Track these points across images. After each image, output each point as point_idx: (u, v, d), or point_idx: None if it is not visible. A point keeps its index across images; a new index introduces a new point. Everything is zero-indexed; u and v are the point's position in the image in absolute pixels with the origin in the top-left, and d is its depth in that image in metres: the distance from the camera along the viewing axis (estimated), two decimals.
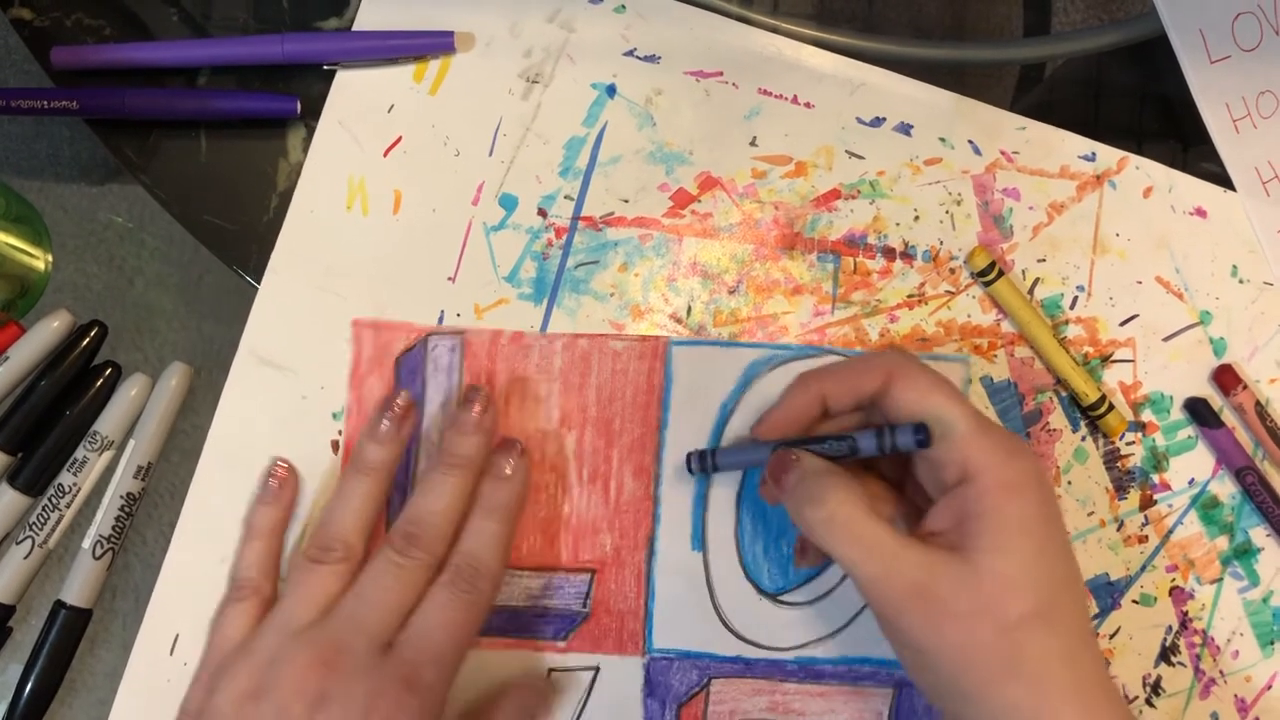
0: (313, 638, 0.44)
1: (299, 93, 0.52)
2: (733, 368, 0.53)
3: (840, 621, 0.52)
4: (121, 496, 0.50)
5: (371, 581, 0.46)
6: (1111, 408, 0.53)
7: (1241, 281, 0.55)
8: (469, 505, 0.48)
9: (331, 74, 0.53)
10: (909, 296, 0.54)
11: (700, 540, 0.52)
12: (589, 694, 0.51)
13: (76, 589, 0.50)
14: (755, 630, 0.52)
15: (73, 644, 0.50)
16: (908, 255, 0.54)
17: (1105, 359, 0.54)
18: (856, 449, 0.45)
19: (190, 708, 0.47)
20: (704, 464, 0.50)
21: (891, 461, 0.49)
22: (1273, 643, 0.54)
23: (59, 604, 0.50)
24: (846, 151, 0.54)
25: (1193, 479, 0.55)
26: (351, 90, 0.53)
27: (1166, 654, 0.54)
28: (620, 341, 0.52)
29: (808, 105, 0.54)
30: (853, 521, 0.43)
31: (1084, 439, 0.54)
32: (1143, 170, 0.55)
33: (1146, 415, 0.54)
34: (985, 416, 0.44)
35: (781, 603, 0.52)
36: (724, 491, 0.52)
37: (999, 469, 0.42)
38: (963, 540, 0.42)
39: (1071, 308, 0.54)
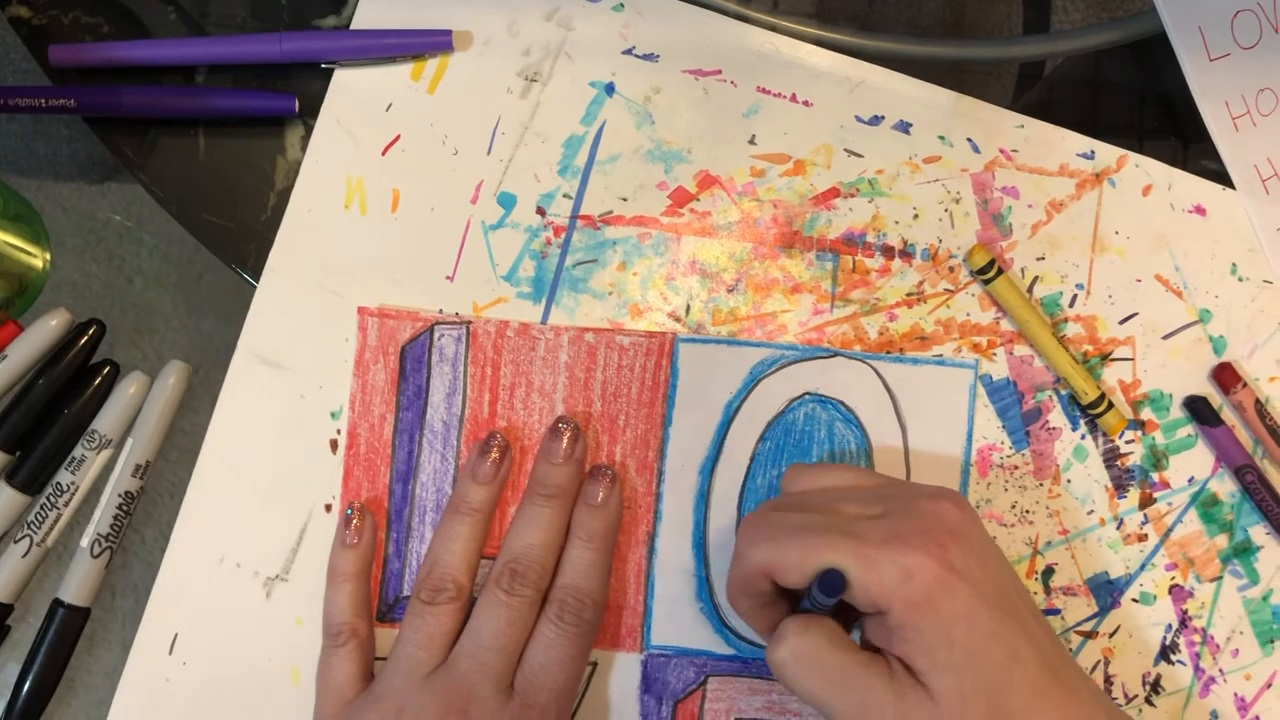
0: (440, 684, 0.46)
1: (297, 91, 0.52)
2: (739, 367, 0.53)
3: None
4: (120, 495, 0.50)
5: (485, 622, 0.47)
6: (1111, 406, 0.53)
7: (1241, 279, 0.55)
8: (567, 533, 0.50)
9: (329, 72, 0.53)
10: (908, 295, 0.54)
11: (701, 539, 0.52)
12: (586, 689, 0.51)
13: (75, 588, 0.50)
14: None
15: (71, 643, 0.50)
16: (907, 254, 0.54)
17: (1105, 357, 0.54)
18: (807, 608, 0.45)
19: None
20: None
21: None
22: (1272, 641, 0.54)
23: (57, 603, 0.50)
24: (845, 150, 0.54)
25: (1192, 477, 0.54)
26: (350, 89, 0.53)
27: (1166, 652, 0.54)
28: (627, 337, 0.52)
29: (806, 103, 0.54)
30: (818, 653, 0.43)
31: (1083, 437, 0.54)
32: (1142, 168, 0.55)
33: (1146, 413, 0.54)
34: (874, 531, 0.43)
35: None
36: (726, 490, 0.52)
37: (902, 592, 0.41)
38: (907, 660, 0.42)
39: (1071, 306, 0.54)
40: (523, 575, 0.48)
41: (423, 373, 0.52)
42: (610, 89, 0.54)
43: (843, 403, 0.53)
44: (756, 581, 0.45)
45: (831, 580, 0.42)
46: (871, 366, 0.53)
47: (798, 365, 0.53)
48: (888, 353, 0.53)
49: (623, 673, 0.51)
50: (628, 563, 0.52)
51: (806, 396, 0.53)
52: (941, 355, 0.53)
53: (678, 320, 0.53)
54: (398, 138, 0.53)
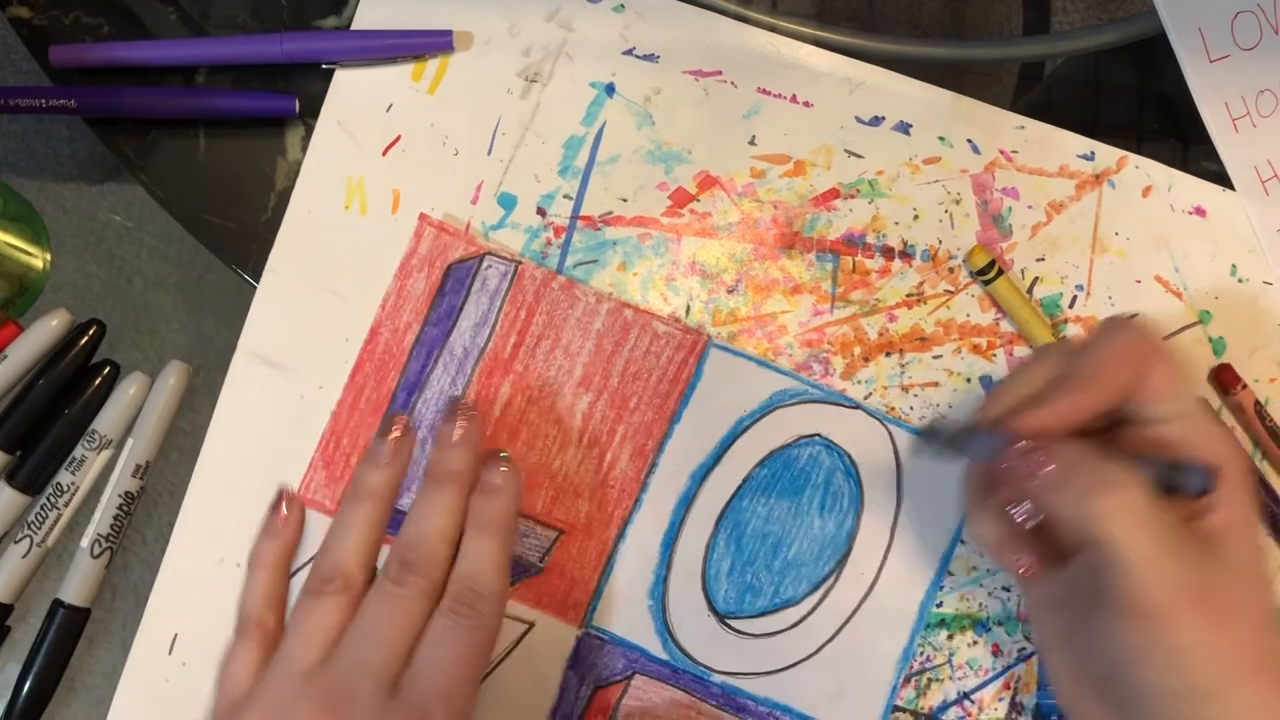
0: (318, 683, 0.43)
1: (297, 92, 0.52)
2: (761, 388, 0.52)
3: (775, 665, 0.52)
4: (120, 495, 0.50)
5: (371, 615, 0.45)
6: None
7: (1241, 281, 0.55)
8: (464, 520, 0.48)
9: (330, 73, 0.53)
10: (908, 296, 0.54)
11: (671, 540, 0.52)
12: (514, 647, 0.51)
13: (75, 588, 0.50)
14: (693, 643, 0.52)
15: (71, 643, 0.51)
16: (907, 254, 0.54)
17: None
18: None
19: None
20: (938, 440, 0.47)
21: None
22: None
23: (57, 603, 0.50)
24: (845, 151, 0.54)
25: None
26: (350, 89, 0.53)
27: None
28: (663, 324, 0.52)
29: (807, 104, 0.54)
30: (1150, 511, 0.40)
31: None
32: (1142, 169, 0.55)
33: None
34: (1205, 400, 0.42)
35: (727, 626, 0.52)
36: (710, 502, 0.52)
37: (1235, 461, 0.41)
38: (1210, 531, 0.41)
39: (1070, 307, 0.54)
40: (413, 565, 0.45)
41: (461, 295, 0.52)
42: (610, 90, 0.54)
43: (849, 455, 0.52)
44: (1110, 375, 0.43)
45: (1207, 478, 0.40)
46: (889, 430, 0.53)
47: (819, 405, 0.52)
48: (910, 408, 0.53)
49: (555, 641, 0.51)
50: (594, 538, 0.51)
51: (817, 438, 0.52)
52: None
53: (677, 321, 0.53)
54: (398, 138, 0.53)
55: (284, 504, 0.50)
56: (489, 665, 0.48)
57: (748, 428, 0.52)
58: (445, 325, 0.52)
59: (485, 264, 0.52)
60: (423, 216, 0.52)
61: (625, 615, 0.51)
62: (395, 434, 0.49)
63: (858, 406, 0.53)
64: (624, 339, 0.52)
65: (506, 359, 0.52)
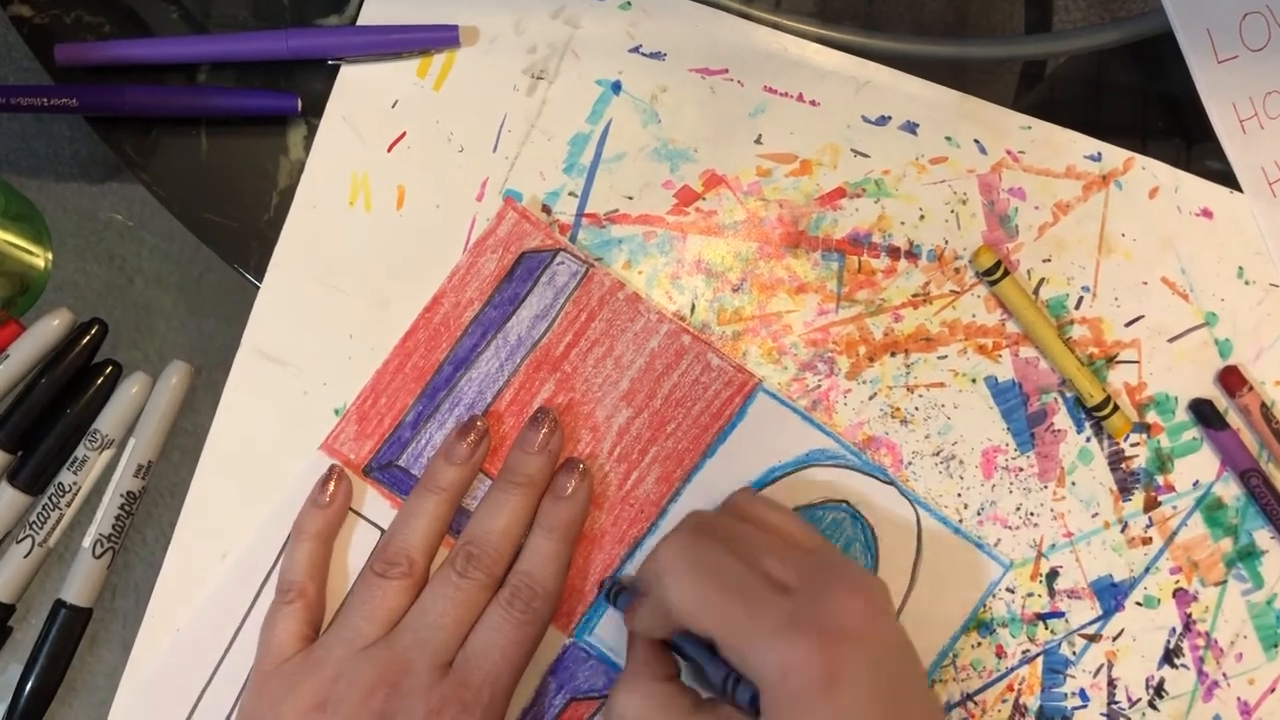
0: (378, 656, 0.46)
1: (300, 90, 0.52)
2: (799, 443, 0.52)
3: None
4: (122, 495, 0.50)
5: (433, 601, 0.47)
6: (1116, 409, 0.53)
7: (1247, 283, 0.55)
8: (531, 523, 0.50)
9: (331, 73, 0.52)
10: (914, 296, 0.54)
11: None
12: None
13: (77, 588, 0.50)
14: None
15: (73, 643, 0.50)
16: (912, 254, 0.54)
17: (1110, 359, 0.54)
18: (706, 678, 0.45)
19: (250, 713, 0.47)
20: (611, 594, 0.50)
21: None
22: (1276, 645, 0.54)
23: (59, 603, 0.50)
24: (852, 150, 0.54)
25: (1197, 481, 0.55)
26: (355, 85, 0.53)
27: (1170, 656, 0.54)
28: (718, 358, 0.52)
29: (813, 103, 0.54)
30: (661, 704, 0.45)
31: (1089, 440, 0.54)
32: (1149, 171, 0.55)
33: (1151, 416, 0.54)
34: (773, 612, 0.41)
35: None
36: None
37: (773, 692, 0.40)
38: None
39: (1077, 308, 0.54)
40: (477, 559, 0.48)
41: (527, 285, 0.51)
42: (617, 87, 0.53)
43: (873, 529, 0.52)
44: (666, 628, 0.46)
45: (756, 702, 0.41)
46: (918, 511, 0.52)
47: (854, 473, 0.52)
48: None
49: (542, 645, 0.50)
50: (602, 551, 0.51)
51: (845, 504, 0.52)
52: (982, 538, 0.53)
53: (682, 319, 0.52)
54: (403, 134, 0.53)
55: (333, 478, 0.50)
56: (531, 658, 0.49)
57: (779, 478, 0.52)
58: (506, 310, 0.51)
59: (558, 260, 0.52)
60: (508, 200, 0.52)
61: (616, 634, 0.51)
62: (473, 437, 0.50)
63: (892, 483, 0.52)
64: (676, 363, 0.52)
65: (557, 357, 0.51)
